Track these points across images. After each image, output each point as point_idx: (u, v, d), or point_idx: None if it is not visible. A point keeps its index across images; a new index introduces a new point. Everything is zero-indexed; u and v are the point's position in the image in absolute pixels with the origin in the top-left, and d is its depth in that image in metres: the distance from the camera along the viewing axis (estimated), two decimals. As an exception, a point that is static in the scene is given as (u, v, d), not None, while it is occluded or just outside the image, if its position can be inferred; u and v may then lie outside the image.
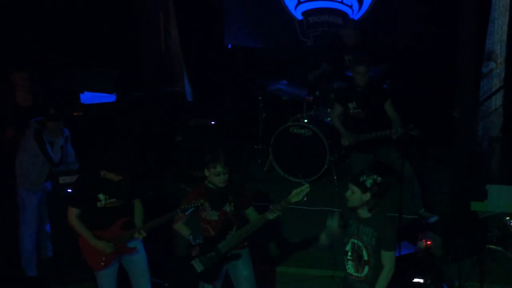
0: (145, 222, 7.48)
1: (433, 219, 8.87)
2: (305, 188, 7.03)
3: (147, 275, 7.66)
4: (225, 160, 7.16)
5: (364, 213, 6.68)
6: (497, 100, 9.51)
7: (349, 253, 6.74)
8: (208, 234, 7.34)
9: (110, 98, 10.14)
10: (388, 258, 6.64)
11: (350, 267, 6.75)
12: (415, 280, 7.81)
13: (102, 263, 7.41)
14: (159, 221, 7.34)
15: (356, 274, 6.71)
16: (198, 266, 7.28)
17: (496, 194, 8.85)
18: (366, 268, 6.66)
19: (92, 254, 7.41)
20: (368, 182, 6.60)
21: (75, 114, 9.61)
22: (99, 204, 7.32)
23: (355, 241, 6.68)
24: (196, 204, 7.18)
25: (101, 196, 7.31)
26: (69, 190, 8.36)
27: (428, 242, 8.25)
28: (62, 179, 8.46)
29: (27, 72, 8.82)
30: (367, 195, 6.60)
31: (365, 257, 6.64)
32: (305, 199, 7.07)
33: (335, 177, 9.92)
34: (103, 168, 7.31)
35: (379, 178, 6.67)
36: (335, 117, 9.16)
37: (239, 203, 7.31)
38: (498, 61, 9.45)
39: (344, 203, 6.79)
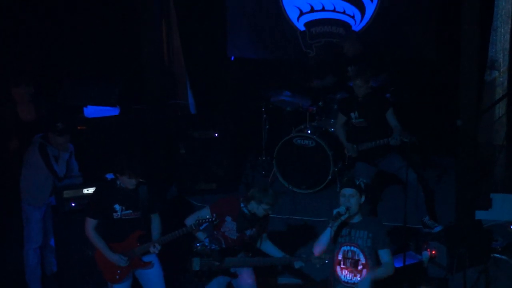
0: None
1: (437, 229, 8.82)
2: (325, 258, 6.99)
3: None
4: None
5: (356, 217, 6.80)
6: (501, 109, 9.50)
7: (342, 262, 6.81)
8: (219, 245, 7.40)
9: (113, 111, 10.14)
10: (386, 254, 6.76)
11: (344, 276, 6.80)
12: (421, 290, 7.82)
13: (117, 276, 7.40)
14: (174, 235, 7.35)
15: (353, 281, 6.77)
16: (196, 264, 7.33)
17: (501, 203, 8.87)
18: (364, 272, 6.75)
19: (107, 266, 7.40)
20: (362, 185, 6.75)
21: (78, 128, 9.60)
22: (115, 215, 7.32)
23: (347, 248, 6.77)
24: (211, 220, 7.23)
25: (117, 207, 7.31)
26: (73, 204, 8.35)
27: (433, 252, 8.25)
28: (67, 193, 8.42)
29: (27, 87, 8.81)
30: (363, 198, 6.79)
31: (363, 260, 6.74)
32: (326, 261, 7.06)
33: (339, 188, 9.90)
34: (116, 172, 7.30)
35: (367, 181, 6.80)
36: (339, 127, 9.35)
37: (262, 229, 7.49)
38: (501, 70, 9.44)
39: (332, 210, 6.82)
